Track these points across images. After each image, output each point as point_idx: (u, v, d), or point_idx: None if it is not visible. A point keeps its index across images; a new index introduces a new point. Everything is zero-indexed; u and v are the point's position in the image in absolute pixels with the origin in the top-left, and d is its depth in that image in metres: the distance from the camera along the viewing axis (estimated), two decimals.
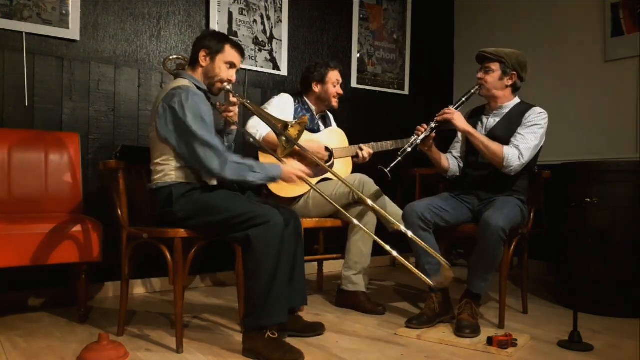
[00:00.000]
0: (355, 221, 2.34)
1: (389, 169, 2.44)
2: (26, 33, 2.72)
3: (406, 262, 2.09)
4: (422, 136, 2.50)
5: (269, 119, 2.21)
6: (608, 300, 2.67)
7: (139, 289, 3.08)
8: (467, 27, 4.58)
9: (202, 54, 2.19)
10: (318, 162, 2.32)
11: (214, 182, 2.24)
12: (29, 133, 2.69)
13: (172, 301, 2.55)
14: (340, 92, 2.89)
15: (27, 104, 2.75)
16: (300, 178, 2.17)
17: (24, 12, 2.72)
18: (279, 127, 2.17)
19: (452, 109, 2.52)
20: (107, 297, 2.94)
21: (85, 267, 2.45)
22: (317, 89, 2.86)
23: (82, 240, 2.36)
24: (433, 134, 2.54)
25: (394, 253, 2.11)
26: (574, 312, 2.19)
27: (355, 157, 2.84)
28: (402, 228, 2.24)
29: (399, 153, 2.47)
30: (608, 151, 3.47)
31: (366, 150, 2.81)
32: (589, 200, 2.70)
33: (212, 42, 2.19)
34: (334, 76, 2.85)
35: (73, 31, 2.86)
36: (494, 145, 2.44)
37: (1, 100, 2.69)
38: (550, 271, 3.71)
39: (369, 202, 2.37)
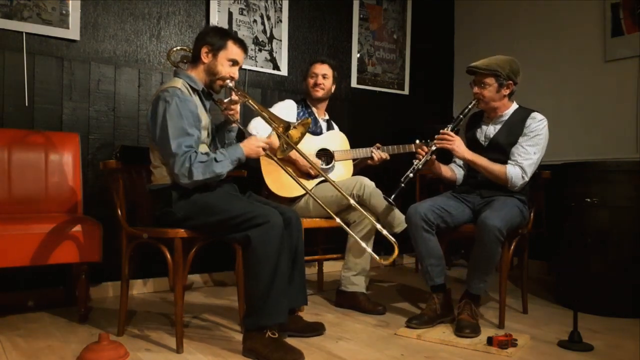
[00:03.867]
0: (347, 229, 2.28)
1: (392, 197, 2.46)
2: (26, 33, 2.72)
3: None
4: (422, 160, 2.50)
5: (271, 119, 2.17)
6: (608, 300, 2.67)
7: (139, 289, 3.08)
8: (467, 27, 4.58)
9: (204, 50, 2.14)
10: (316, 167, 2.31)
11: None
12: (29, 133, 2.68)
13: (172, 301, 2.55)
14: (319, 82, 2.87)
15: (27, 104, 2.74)
16: (264, 149, 2.14)
17: (24, 12, 2.72)
18: (281, 128, 2.14)
19: (451, 133, 2.49)
20: (107, 297, 2.94)
21: (85, 267, 2.45)
22: (305, 86, 2.97)
23: (82, 240, 2.36)
24: (434, 157, 2.54)
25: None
26: (574, 312, 2.19)
27: (369, 158, 2.85)
28: (392, 239, 2.15)
29: (401, 180, 2.47)
30: (608, 151, 3.47)
31: (378, 154, 2.80)
32: (589, 200, 2.70)
33: (215, 38, 2.14)
34: (312, 69, 2.92)
35: (73, 31, 2.85)
36: (496, 167, 2.45)
37: (1, 100, 2.69)
38: (550, 271, 3.72)
39: (365, 212, 2.35)
